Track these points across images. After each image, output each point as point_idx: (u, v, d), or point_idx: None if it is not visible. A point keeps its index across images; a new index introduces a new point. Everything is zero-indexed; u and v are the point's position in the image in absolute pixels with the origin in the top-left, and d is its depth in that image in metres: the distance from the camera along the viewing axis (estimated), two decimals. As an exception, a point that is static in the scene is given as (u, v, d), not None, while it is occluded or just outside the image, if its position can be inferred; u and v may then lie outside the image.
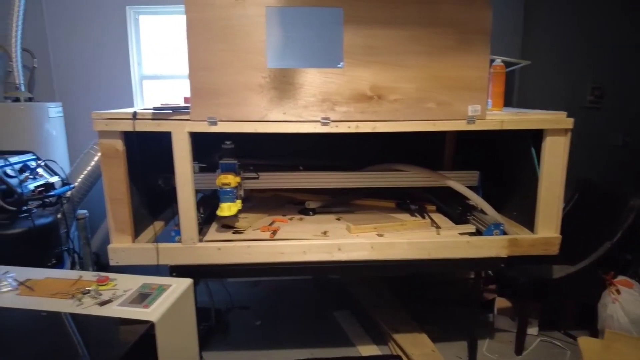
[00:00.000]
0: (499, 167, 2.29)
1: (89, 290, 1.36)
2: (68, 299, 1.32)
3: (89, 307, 1.28)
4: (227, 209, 1.91)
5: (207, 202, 2.26)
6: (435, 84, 1.79)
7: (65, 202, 2.32)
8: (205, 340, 2.36)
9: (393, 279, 2.96)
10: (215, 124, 1.73)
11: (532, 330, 2.42)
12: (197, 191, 1.91)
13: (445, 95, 1.80)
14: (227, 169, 1.95)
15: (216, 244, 1.88)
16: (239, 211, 2.00)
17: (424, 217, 2.20)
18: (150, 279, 1.44)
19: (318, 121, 1.78)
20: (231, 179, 1.91)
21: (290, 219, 2.22)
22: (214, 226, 2.07)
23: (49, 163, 2.36)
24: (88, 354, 1.12)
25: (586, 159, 2.52)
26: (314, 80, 1.76)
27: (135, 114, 1.73)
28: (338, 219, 2.21)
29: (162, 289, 1.37)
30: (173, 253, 1.85)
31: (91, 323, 1.24)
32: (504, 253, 1.95)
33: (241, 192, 2.03)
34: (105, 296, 1.33)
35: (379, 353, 2.31)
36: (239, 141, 1.97)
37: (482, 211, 2.15)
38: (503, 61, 2.04)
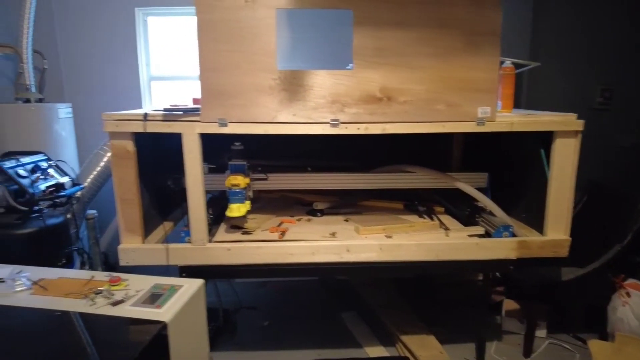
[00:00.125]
0: (507, 168, 2.28)
1: (101, 290, 1.37)
2: (81, 298, 1.34)
3: (101, 307, 1.29)
4: (236, 209, 1.92)
5: (216, 203, 2.27)
6: (445, 85, 1.79)
7: (75, 202, 2.33)
8: (213, 341, 2.36)
9: (400, 280, 2.96)
10: (225, 125, 1.74)
11: (541, 333, 2.41)
12: (206, 192, 1.92)
13: (454, 96, 1.80)
14: (237, 170, 1.96)
15: (226, 244, 1.89)
16: (248, 212, 2.01)
17: (432, 219, 2.20)
18: (161, 280, 1.45)
19: (327, 123, 1.78)
20: (240, 180, 1.92)
21: (299, 220, 2.22)
22: (222, 227, 2.08)
23: (59, 163, 2.37)
24: (102, 354, 1.13)
25: (595, 160, 2.51)
26: (323, 82, 1.76)
27: (146, 115, 1.74)
28: (346, 220, 2.22)
29: (173, 289, 1.38)
30: (183, 253, 1.86)
31: (104, 323, 1.25)
32: (513, 255, 1.94)
33: (250, 193, 2.04)
34: (118, 296, 1.35)
35: (386, 354, 2.31)
36: (247, 142, 1.97)
37: (490, 213, 2.14)
38: (513, 63, 2.04)
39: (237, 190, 1.92)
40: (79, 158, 2.80)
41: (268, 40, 1.70)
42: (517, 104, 2.33)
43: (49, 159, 2.33)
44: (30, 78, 2.57)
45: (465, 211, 2.24)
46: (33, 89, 2.59)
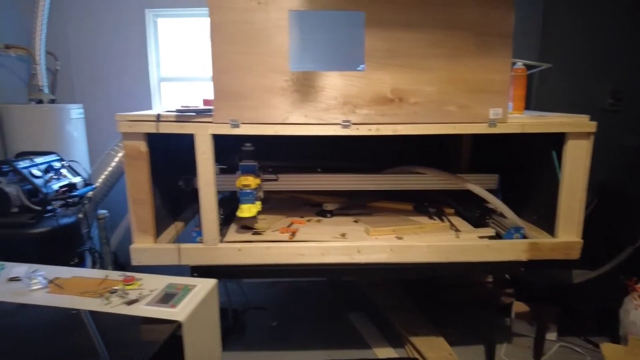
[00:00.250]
0: (516, 170, 2.27)
1: (116, 289, 1.39)
2: (96, 297, 1.35)
3: (117, 306, 1.30)
4: (247, 210, 1.93)
5: (226, 203, 2.28)
6: (456, 86, 1.79)
7: (86, 202, 2.36)
8: (222, 340, 2.37)
9: (408, 281, 2.95)
10: (237, 126, 1.75)
11: (551, 336, 2.40)
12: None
13: (466, 98, 1.80)
14: (247, 171, 1.97)
15: (237, 244, 1.90)
16: (258, 212, 2.02)
17: (442, 220, 2.19)
18: (175, 279, 1.47)
19: (339, 124, 1.79)
20: (251, 181, 1.93)
21: (308, 221, 2.23)
22: (233, 227, 2.09)
23: (71, 164, 2.40)
24: (117, 352, 1.15)
25: (606, 162, 2.49)
26: (335, 83, 1.77)
27: (159, 115, 1.76)
28: (356, 221, 2.22)
29: (187, 289, 1.39)
30: (194, 253, 1.88)
31: (119, 322, 1.26)
32: (524, 257, 1.94)
33: (260, 194, 2.05)
34: (132, 295, 1.36)
35: (395, 356, 2.31)
36: (257, 143, 1.98)
37: (501, 215, 2.13)
38: (524, 64, 2.03)
39: (248, 190, 1.93)
40: (90, 158, 2.83)
41: (280, 42, 1.71)
42: (527, 105, 2.32)
43: (61, 159, 2.35)
44: (43, 79, 2.60)
45: (475, 213, 2.24)
46: (46, 90, 2.62)
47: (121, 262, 2.86)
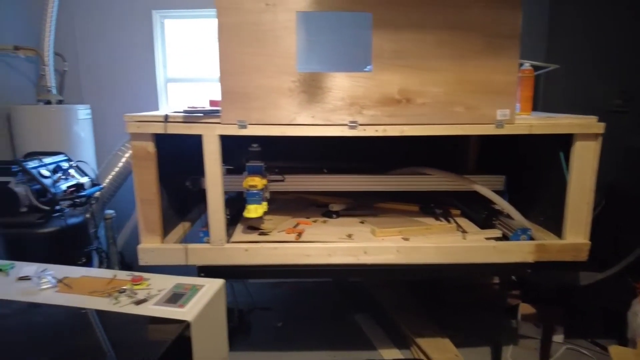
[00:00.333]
0: (523, 171, 2.26)
1: (124, 289, 1.39)
2: (105, 297, 1.36)
3: (125, 306, 1.30)
4: (253, 210, 1.94)
5: (232, 204, 2.29)
6: (464, 87, 1.79)
7: (94, 202, 2.37)
8: (228, 341, 2.38)
9: (413, 282, 2.95)
10: (245, 127, 1.76)
11: (558, 338, 2.38)
12: (224, 193, 1.94)
13: (473, 99, 1.80)
14: (254, 172, 1.98)
15: (243, 245, 1.90)
16: (265, 213, 2.02)
17: (449, 221, 2.19)
18: (183, 279, 1.47)
19: (346, 125, 1.79)
20: (258, 181, 1.93)
21: (314, 222, 2.23)
22: (239, 227, 2.10)
23: (79, 164, 2.42)
24: (126, 352, 1.15)
25: (614, 163, 2.47)
26: (342, 84, 1.77)
27: (167, 116, 1.77)
28: (362, 222, 2.22)
29: (195, 289, 1.40)
30: (202, 253, 1.88)
31: (128, 321, 1.26)
32: (531, 258, 1.93)
33: (267, 194, 2.05)
34: (141, 295, 1.36)
35: (401, 357, 2.31)
36: (263, 143, 1.99)
37: (508, 216, 2.13)
38: (531, 65, 2.02)
39: (255, 191, 1.94)
40: (97, 159, 2.85)
41: (288, 43, 1.71)
42: (534, 106, 2.32)
43: (69, 160, 2.37)
44: (51, 80, 2.62)
45: (481, 214, 2.23)
46: (54, 91, 2.64)
47: (127, 262, 2.88)
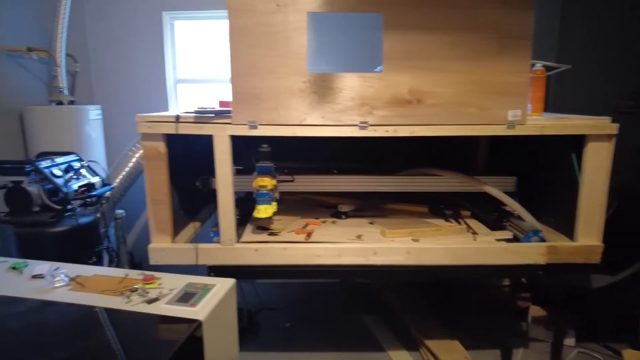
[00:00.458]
0: (533, 172, 2.24)
1: (136, 288, 1.40)
2: (117, 296, 1.36)
3: (137, 305, 1.31)
4: (263, 210, 1.94)
5: (241, 204, 2.30)
6: (475, 88, 1.78)
7: (104, 202, 2.39)
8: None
9: (422, 283, 2.93)
10: (255, 127, 1.76)
11: (569, 341, 2.36)
12: (233, 193, 1.95)
13: (484, 100, 1.79)
14: (264, 172, 1.98)
15: (253, 245, 1.91)
16: (274, 213, 2.02)
17: (459, 223, 2.18)
18: (194, 279, 1.48)
19: (356, 125, 1.79)
20: (267, 182, 1.93)
21: (323, 222, 2.23)
22: (249, 227, 2.10)
23: (90, 164, 2.44)
24: (138, 350, 1.16)
25: (628, 165, 2.45)
26: (352, 85, 1.77)
27: (178, 117, 1.78)
28: (371, 223, 2.21)
29: (207, 288, 1.40)
30: (212, 253, 1.89)
31: (140, 320, 1.27)
32: (542, 260, 1.91)
33: (276, 195, 2.05)
34: (152, 294, 1.37)
35: (410, 359, 2.29)
36: (273, 144, 1.99)
37: (518, 217, 2.11)
38: (543, 65, 2.01)
39: (265, 191, 1.94)
40: (107, 159, 2.87)
41: (299, 44, 1.71)
42: (544, 107, 2.30)
43: (80, 159, 2.39)
44: (63, 81, 2.65)
45: (492, 215, 2.22)
46: (65, 92, 2.67)
47: (136, 262, 2.90)
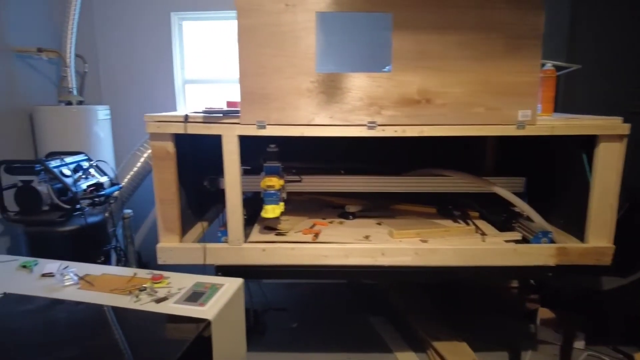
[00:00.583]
0: (543, 172, 2.22)
1: (145, 287, 1.41)
2: (126, 294, 1.37)
3: (146, 304, 1.32)
4: (271, 210, 1.94)
5: (249, 204, 2.30)
6: (485, 88, 1.77)
7: (113, 201, 2.40)
8: (244, 340, 2.39)
9: (429, 285, 2.92)
10: (264, 127, 1.76)
11: (579, 344, 2.33)
12: (241, 193, 1.95)
13: (494, 100, 1.77)
14: (271, 172, 1.98)
15: (261, 245, 1.91)
16: (281, 213, 2.02)
17: (467, 224, 2.16)
18: (202, 278, 1.48)
19: (364, 125, 1.78)
20: (275, 182, 1.93)
21: (331, 223, 2.23)
22: (256, 227, 2.10)
23: (98, 163, 2.45)
24: (147, 349, 1.16)
25: (638, 165, 2.42)
26: (361, 85, 1.76)
27: (186, 116, 1.78)
28: (379, 224, 2.20)
29: (215, 287, 1.40)
30: (220, 253, 1.89)
31: (149, 319, 1.27)
32: (552, 262, 1.89)
33: (284, 195, 2.05)
34: (161, 293, 1.38)
35: (418, 360, 2.29)
36: (280, 144, 1.99)
37: (527, 218, 2.09)
38: (553, 65, 1.99)
39: (272, 191, 1.94)
40: (115, 158, 2.89)
41: (308, 44, 1.71)
42: (554, 107, 2.28)
43: (89, 159, 2.41)
44: (72, 81, 2.67)
45: (500, 216, 2.20)
46: (74, 92, 2.68)
47: (144, 261, 2.91)
